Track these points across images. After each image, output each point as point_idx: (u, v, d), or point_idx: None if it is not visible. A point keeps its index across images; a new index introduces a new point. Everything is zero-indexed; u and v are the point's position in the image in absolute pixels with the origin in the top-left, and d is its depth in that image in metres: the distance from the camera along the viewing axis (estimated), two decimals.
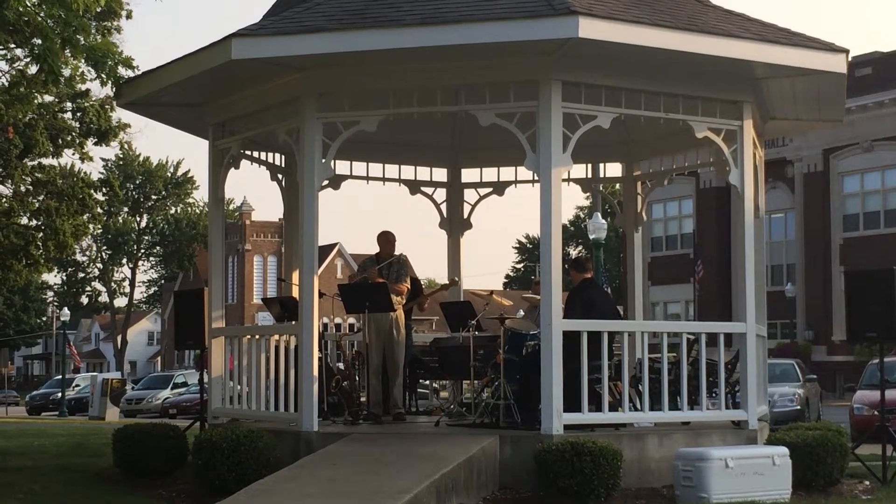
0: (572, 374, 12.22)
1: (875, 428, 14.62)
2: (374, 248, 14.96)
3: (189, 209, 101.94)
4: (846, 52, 13.08)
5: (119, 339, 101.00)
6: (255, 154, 15.58)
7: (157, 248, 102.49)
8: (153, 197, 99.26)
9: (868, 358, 34.69)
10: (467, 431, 12.91)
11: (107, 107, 33.70)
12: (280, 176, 16.03)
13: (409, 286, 14.73)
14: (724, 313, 48.41)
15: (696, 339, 13.47)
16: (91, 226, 41.33)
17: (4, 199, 35.60)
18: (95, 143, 35.32)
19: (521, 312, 17.12)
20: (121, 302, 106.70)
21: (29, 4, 13.22)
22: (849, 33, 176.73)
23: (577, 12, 11.29)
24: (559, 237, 12.28)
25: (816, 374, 36.03)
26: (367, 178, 17.04)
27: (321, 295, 13.58)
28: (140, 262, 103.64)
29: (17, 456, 17.36)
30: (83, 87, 30.97)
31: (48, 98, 30.99)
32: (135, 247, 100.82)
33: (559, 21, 11.38)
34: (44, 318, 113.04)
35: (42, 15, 13.43)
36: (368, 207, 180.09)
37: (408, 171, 17.38)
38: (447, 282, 17.16)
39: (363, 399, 14.55)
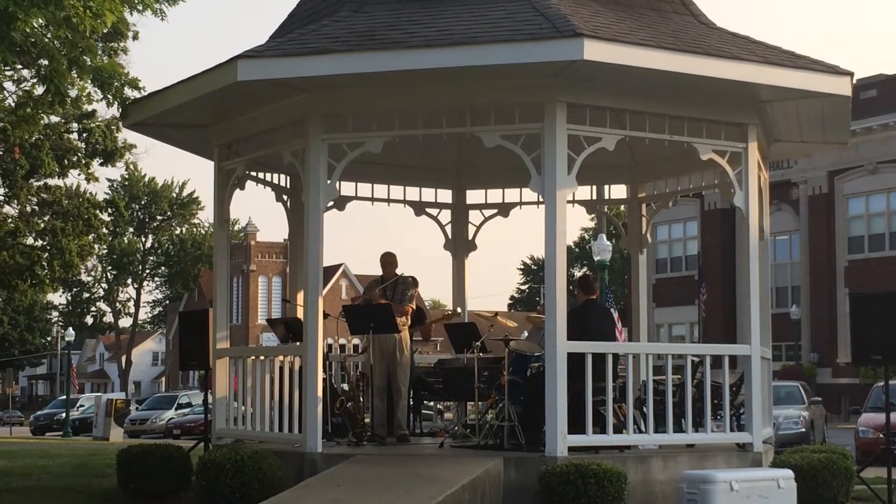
0: (576, 396, 12.21)
1: (880, 451, 14.60)
2: (378, 270, 14.99)
3: (194, 230, 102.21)
4: (851, 74, 13.10)
5: (123, 359, 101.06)
6: (261, 175, 15.60)
7: (162, 268, 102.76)
8: (158, 217, 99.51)
9: (873, 380, 34.59)
10: (471, 453, 12.89)
11: (113, 127, 33.86)
12: (285, 197, 16.05)
13: (413, 307, 14.72)
14: (728, 335, 48.36)
15: (701, 361, 13.45)
16: (96, 246, 41.46)
17: (10, 220, 35.71)
18: (101, 164, 35.48)
19: (526, 334, 17.08)
20: (125, 322, 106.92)
21: (36, 25, 13.25)
22: (853, 56, 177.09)
23: (582, 35, 11.33)
24: (564, 259, 12.28)
25: (821, 396, 36.01)
26: (372, 200, 17.05)
27: (326, 316, 13.58)
28: (145, 283, 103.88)
29: (21, 476, 17.35)
30: (89, 108, 31.14)
31: (54, 119, 31.13)
32: (140, 267, 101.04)
33: (564, 43, 11.41)
34: (48, 339, 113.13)
35: (49, 36, 13.47)
36: (373, 229, 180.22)
37: (413, 193, 17.40)
38: (450, 311, 17.16)
39: (367, 420, 14.54)
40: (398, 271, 14.75)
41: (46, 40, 13.46)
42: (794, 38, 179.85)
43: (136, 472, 13.57)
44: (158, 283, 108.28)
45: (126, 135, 34.82)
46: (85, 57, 13.70)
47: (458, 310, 17.13)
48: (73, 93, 15.50)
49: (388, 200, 17.17)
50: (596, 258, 33.04)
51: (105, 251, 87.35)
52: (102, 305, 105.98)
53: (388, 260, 14.76)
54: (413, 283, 14.68)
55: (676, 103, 12.86)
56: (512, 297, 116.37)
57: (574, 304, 13.77)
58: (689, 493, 11.33)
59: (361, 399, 14.73)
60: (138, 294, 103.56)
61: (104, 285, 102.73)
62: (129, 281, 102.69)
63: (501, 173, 16.70)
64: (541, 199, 13.10)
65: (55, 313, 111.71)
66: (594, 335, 12.94)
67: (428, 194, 17.60)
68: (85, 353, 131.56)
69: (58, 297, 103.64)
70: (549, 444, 12.04)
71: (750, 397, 13.37)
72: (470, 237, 17.74)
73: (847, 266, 54.44)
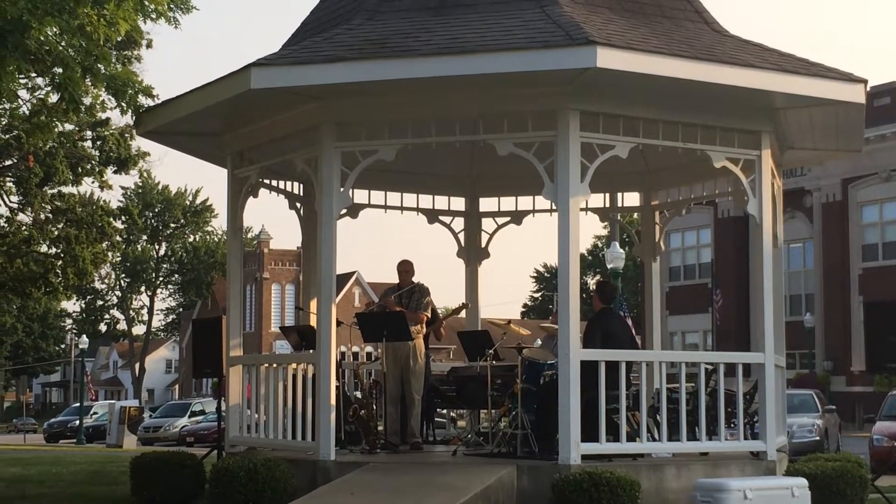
0: (590, 404, 12.19)
1: (894, 459, 14.54)
2: (391, 277, 14.99)
3: (207, 237, 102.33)
4: (865, 81, 13.07)
5: (137, 366, 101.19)
6: (274, 183, 15.62)
7: (176, 276, 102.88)
8: (172, 225, 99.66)
9: (887, 388, 34.51)
10: (484, 461, 12.88)
11: (126, 135, 33.96)
12: (298, 204, 16.07)
13: (429, 315, 14.71)
14: (742, 343, 48.26)
15: (715, 369, 13.42)
16: (110, 254, 41.55)
17: (24, 227, 35.82)
18: (115, 172, 35.60)
19: (539, 342, 17.05)
20: (139, 330, 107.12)
21: (50, 34, 13.30)
22: (867, 63, 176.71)
23: (595, 42, 11.32)
24: (577, 267, 12.27)
25: (835, 404, 35.84)
26: (386, 207, 17.06)
27: (339, 323, 13.58)
28: (158, 290, 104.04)
29: (35, 483, 17.39)
30: (103, 116, 31.24)
31: (68, 127, 31.26)
32: (153, 275, 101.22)
33: (577, 51, 11.41)
34: (62, 346, 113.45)
35: (63, 44, 13.51)
36: (386, 236, 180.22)
37: (426, 200, 17.40)
38: (459, 305, 17.11)
39: (380, 428, 14.53)
40: (414, 279, 14.76)
41: (61, 48, 13.51)
42: (808, 45, 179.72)
43: (150, 479, 13.59)
44: (172, 290, 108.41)
45: (140, 142, 34.96)
46: (99, 65, 13.74)
47: (468, 303, 17.08)
48: (87, 101, 15.55)
49: (402, 208, 17.17)
50: (609, 266, 33.04)
51: (119, 259, 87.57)
52: (116, 313, 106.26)
53: (405, 268, 14.76)
54: (427, 289, 14.70)
55: (689, 111, 12.84)
56: (525, 305, 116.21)
57: (590, 312, 13.76)
58: (703, 502, 11.31)
59: (374, 407, 14.73)
60: (152, 302, 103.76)
61: (118, 293, 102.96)
62: (143, 288, 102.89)
63: (514, 181, 16.71)
64: (554, 207, 13.10)
65: (69, 321, 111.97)
66: (616, 343, 12.95)
67: (441, 202, 17.62)
68: (98, 361, 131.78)
69: (71, 305, 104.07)
70: (562, 452, 12.02)
71: (764, 405, 13.34)
72: (483, 245, 17.73)
73: (861, 274, 54.28)
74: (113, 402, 64.31)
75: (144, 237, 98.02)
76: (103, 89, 14.42)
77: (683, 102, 12.69)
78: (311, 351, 13.91)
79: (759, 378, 13.51)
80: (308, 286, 16.43)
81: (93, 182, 35.63)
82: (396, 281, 14.89)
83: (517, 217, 17.59)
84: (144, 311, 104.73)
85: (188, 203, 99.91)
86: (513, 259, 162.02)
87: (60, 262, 35.67)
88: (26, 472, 20.33)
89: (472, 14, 13.03)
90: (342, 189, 12.91)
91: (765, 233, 13.53)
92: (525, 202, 17.48)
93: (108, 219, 37.65)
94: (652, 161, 16.36)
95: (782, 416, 14.97)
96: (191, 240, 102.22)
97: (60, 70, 13.69)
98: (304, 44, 13.22)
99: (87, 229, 36.00)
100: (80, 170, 34.88)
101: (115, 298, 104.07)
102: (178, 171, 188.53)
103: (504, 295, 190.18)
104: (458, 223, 17.70)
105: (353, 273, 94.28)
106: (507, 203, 17.66)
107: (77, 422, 53.36)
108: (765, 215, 13.47)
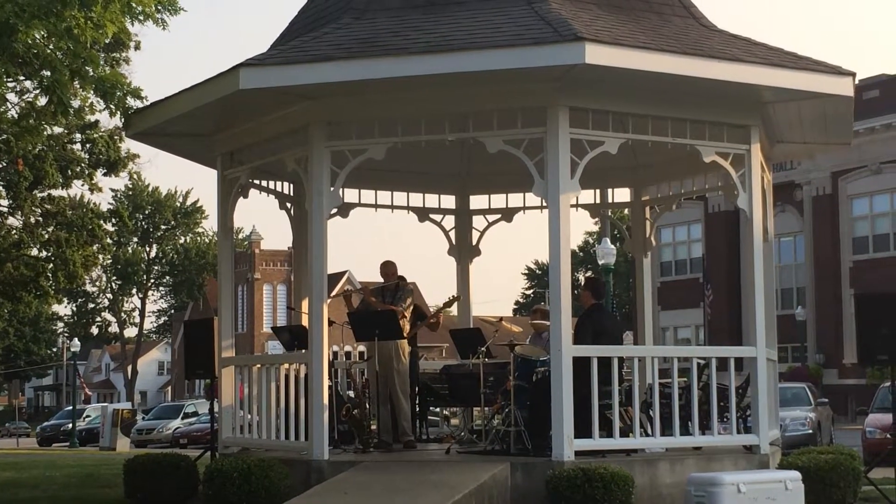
0: (583, 400, 12.20)
1: (888, 451, 14.57)
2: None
3: (198, 239, 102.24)
4: (853, 75, 13.10)
5: (129, 369, 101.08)
6: (264, 183, 15.60)
7: (167, 277, 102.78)
8: (162, 227, 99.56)
9: (880, 381, 34.56)
10: (478, 459, 12.88)
11: (116, 137, 33.93)
12: (289, 205, 16.05)
13: (408, 313, 14.61)
14: (734, 337, 48.31)
15: (707, 364, 13.44)
16: (100, 256, 41.52)
17: (14, 231, 35.76)
18: (104, 174, 35.57)
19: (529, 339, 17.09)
20: (131, 332, 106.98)
21: (37, 37, 13.29)
22: (855, 56, 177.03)
23: (584, 38, 11.33)
24: (568, 263, 12.28)
25: (828, 397, 35.93)
26: (376, 206, 17.05)
27: (331, 323, 13.57)
28: (150, 292, 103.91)
29: (28, 488, 17.37)
30: (92, 119, 31.19)
31: (57, 129, 31.18)
32: (144, 277, 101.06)
33: (565, 47, 11.41)
34: (54, 349, 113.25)
35: (51, 47, 13.50)
36: (377, 235, 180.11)
37: (416, 199, 17.38)
38: (449, 298, 16.99)
39: (373, 427, 14.53)
40: (404, 280, 14.71)
41: (48, 51, 13.49)
42: (796, 39, 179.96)
43: (143, 481, 13.58)
44: (163, 292, 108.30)
45: (129, 144, 34.93)
46: (87, 67, 13.72)
47: (459, 295, 17.02)
48: (75, 103, 15.53)
49: (392, 207, 17.16)
50: (600, 262, 33.08)
51: (109, 261, 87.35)
52: (107, 315, 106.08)
53: (387, 269, 14.71)
54: (410, 288, 14.66)
55: (678, 106, 12.85)
56: (517, 302, 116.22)
57: (579, 308, 13.76)
58: (697, 496, 11.32)
59: (367, 406, 14.72)
60: (143, 304, 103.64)
61: (109, 295, 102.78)
62: (134, 291, 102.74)
63: (505, 178, 16.69)
64: (544, 204, 13.10)
65: (60, 324, 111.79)
66: (608, 339, 12.95)
67: (431, 200, 17.60)
68: (90, 364, 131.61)
69: (63, 308, 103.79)
70: (555, 448, 12.03)
71: (756, 399, 13.36)
72: (474, 242, 17.72)
73: (852, 266, 54.40)
74: (105, 404, 64.27)
75: (135, 239, 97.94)
76: (91, 92, 14.40)
77: (672, 98, 12.70)
78: (303, 351, 13.90)
79: (752, 372, 13.53)
80: (299, 286, 16.41)
81: (82, 185, 35.61)
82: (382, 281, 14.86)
83: (508, 214, 17.58)
84: (136, 313, 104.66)
85: (178, 204, 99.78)
86: (504, 256, 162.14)
87: (51, 266, 35.64)
88: (19, 475, 20.30)
89: (460, 11, 13.03)
90: (332, 188, 12.90)
91: (755, 227, 13.54)
92: (515, 199, 17.48)
93: (98, 221, 37.62)
94: (642, 157, 16.36)
95: (775, 409, 14.99)
96: (182, 241, 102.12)
97: (48, 73, 13.68)
98: (292, 43, 13.21)
99: (77, 232, 35.98)
100: (69, 173, 34.84)
101: (106, 301, 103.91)
102: (168, 172, 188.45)
103: (496, 292, 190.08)
104: (449, 221, 17.69)
105: (345, 272, 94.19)
106: (498, 200, 17.67)
107: (70, 425, 53.32)
108: (755, 209, 13.48)
